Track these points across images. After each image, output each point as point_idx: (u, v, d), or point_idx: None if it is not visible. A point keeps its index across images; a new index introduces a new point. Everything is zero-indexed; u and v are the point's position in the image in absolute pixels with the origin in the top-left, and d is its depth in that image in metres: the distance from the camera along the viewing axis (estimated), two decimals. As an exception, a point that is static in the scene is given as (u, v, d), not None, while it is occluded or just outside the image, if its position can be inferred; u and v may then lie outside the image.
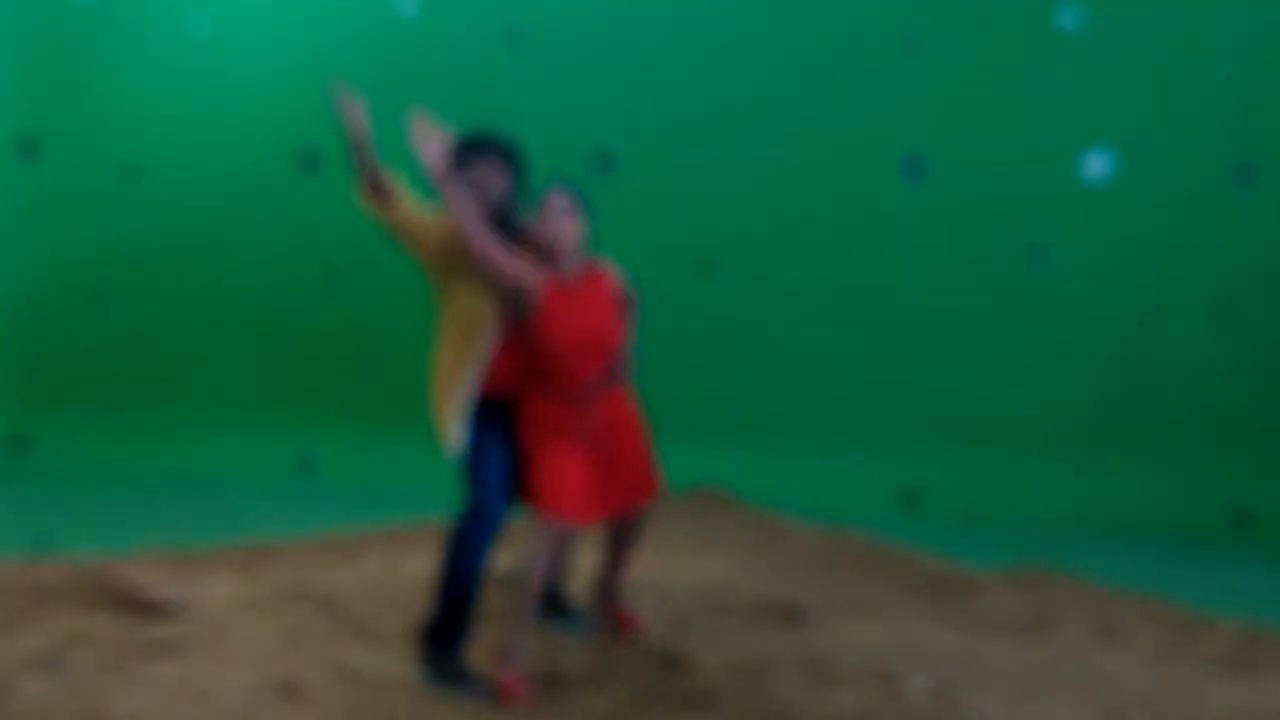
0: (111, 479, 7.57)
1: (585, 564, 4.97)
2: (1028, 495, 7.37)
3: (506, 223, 3.81)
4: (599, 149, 7.75)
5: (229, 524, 6.05)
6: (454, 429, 3.76)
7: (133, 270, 8.25)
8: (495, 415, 3.82)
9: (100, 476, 7.63)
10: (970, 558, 5.82)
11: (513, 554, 4.00)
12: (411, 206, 3.86)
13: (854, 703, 3.57)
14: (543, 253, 3.79)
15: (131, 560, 4.89)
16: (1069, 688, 3.80)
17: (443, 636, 3.76)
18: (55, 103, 8.27)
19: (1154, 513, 7.17)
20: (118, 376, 8.25)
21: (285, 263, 8.07)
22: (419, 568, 5.12)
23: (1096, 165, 7.36)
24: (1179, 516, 7.14)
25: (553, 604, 4.38)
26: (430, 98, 8.20)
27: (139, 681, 3.54)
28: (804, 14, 7.66)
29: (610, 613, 4.31)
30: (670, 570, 5.19)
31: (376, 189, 3.81)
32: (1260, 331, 7.26)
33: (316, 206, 7.96)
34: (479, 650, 3.89)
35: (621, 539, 4.23)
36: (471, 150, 3.79)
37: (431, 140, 3.79)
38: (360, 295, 8.01)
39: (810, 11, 7.66)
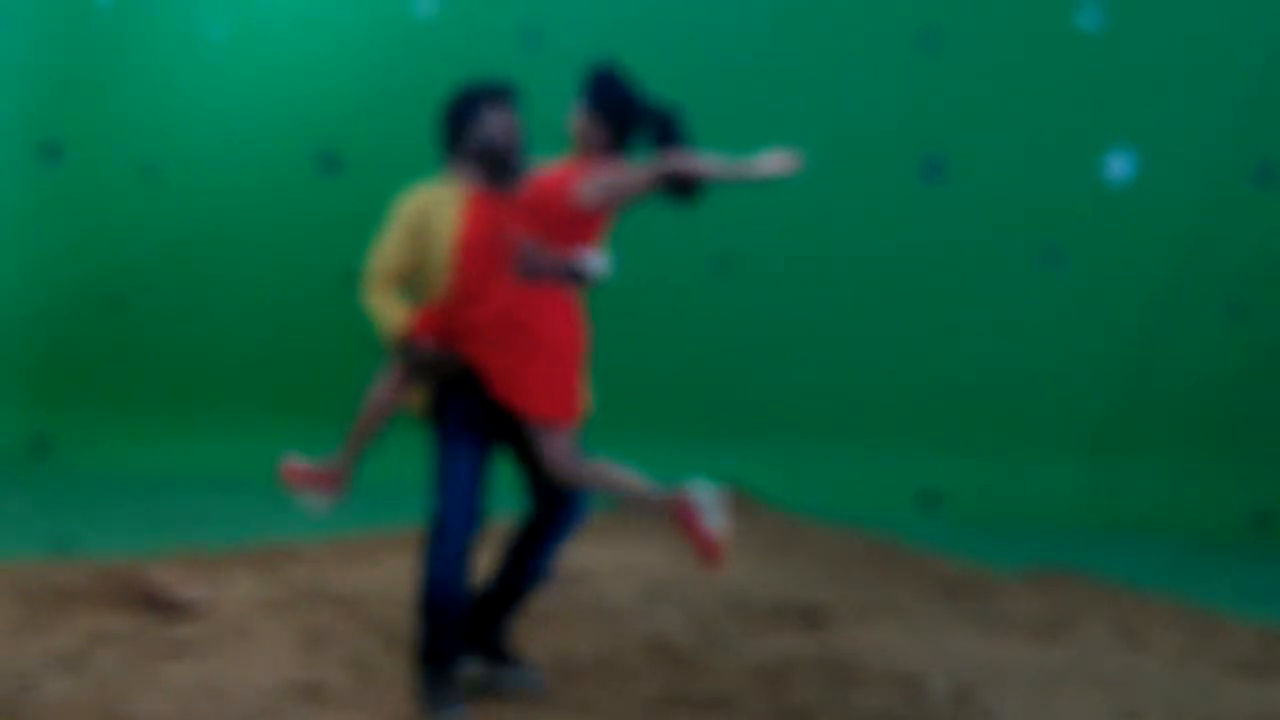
0: (132, 480, 7.59)
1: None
2: (1046, 496, 7.34)
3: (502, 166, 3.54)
4: (616, 150, 7.74)
5: (249, 524, 6.06)
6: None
7: (152, 272, 8.29)
8: (468, 402, 3.42)
9: (121, 477, 7.66)
10: (989, 559, 5.80)
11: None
12: None
13: (874, 704, 3.57)
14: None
15: (152, 561, 4.91)
16: (1088, 689, 3.79)
17: (433, 655, 3.38)
18: (74, 106, 8.32)
19: (1173, 514, 7.15)
20: (138, 377, 8.29)
21: (303, 264, 8.10)
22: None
23: (1118, 166, 7.33)
24: (1198, 517, 7.11)
25: (492, 650, 3.66)
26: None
27: (160, 681, 3.56)
28: (822, 12, 7.66)
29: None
30: (689, 572, 5.19)
31: None
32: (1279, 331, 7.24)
33: (334, 208, 7.98)
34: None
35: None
36: (480, 100, 3.64)
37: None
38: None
39: (829, 10, 7.65)
